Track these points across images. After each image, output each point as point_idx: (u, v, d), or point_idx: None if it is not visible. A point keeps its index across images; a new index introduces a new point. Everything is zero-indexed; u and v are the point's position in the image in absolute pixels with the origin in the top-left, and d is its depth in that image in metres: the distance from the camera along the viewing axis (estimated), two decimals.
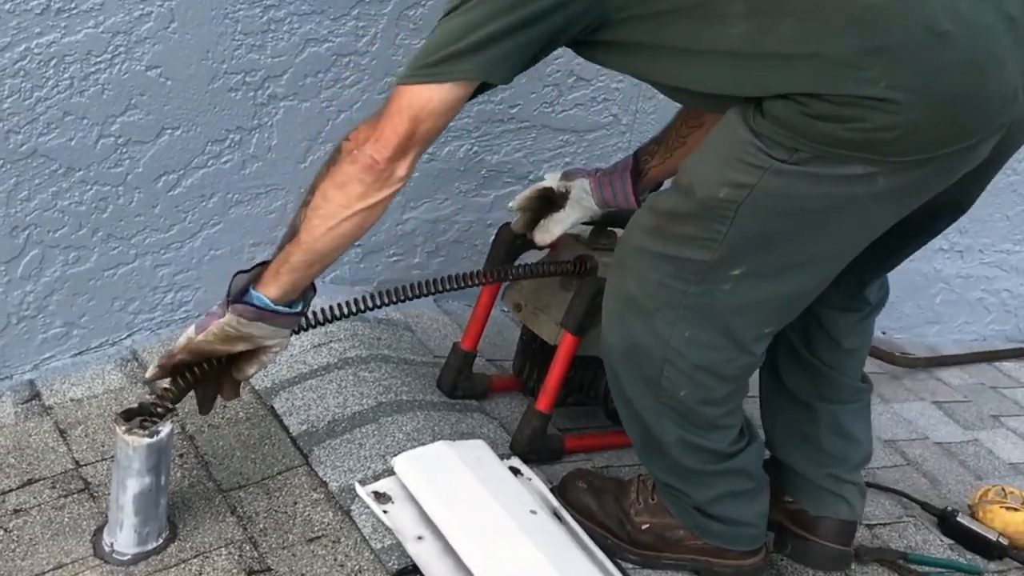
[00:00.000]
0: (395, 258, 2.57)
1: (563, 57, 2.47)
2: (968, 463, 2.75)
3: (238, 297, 1.61)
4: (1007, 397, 3.28)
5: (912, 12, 1.35)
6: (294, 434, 2.01)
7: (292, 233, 1.59)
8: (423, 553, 1.74)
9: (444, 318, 2.64)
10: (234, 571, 1.69)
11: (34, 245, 2.04)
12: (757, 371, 1.92)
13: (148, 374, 1.71)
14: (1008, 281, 3.64)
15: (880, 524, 2.28)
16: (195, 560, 1.71)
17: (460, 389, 2.23)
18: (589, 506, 1.92)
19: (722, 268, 1.56)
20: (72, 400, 2.06)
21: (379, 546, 1.76)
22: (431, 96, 1.51)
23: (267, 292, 1.60)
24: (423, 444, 1.95)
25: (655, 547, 1.89)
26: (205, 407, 1.78)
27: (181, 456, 1.93)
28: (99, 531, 1.74)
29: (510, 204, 2.14)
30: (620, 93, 2.64)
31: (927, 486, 2.55)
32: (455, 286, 1.94)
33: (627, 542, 1.90)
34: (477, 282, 2.00)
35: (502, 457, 2.00)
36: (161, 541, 1.72)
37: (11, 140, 1.94)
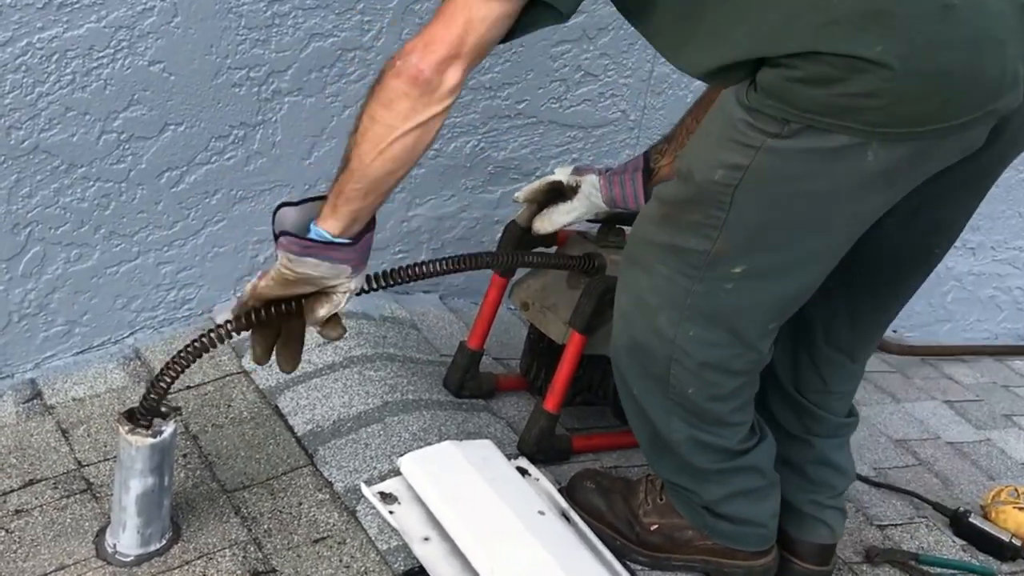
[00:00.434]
0: (400, 255, 2.56)
1: (571, 52, 2.47)
2: (980, 463, 2.74)
3: (288, 232, 1.53)
4: (1020, 396, 3.27)
5: None
6: (299, 434, 2.00)
7: (344, 162, 1.51)
8: (430, 554, 1.73)
9: (450, 316, 2.62)
10: (238, 572, 1.68)
11: (36, 242, 2.03)
12: None
13: (226, 325, 1.62)
14: (1021, 278, 3.63)
15: (892, 525, 2.27)
16: (199, 561, 1.70)
17: (467, 388, 2.22)
18: (598, 507, 1.91)
19: (724, 264, 1.54)
20: (74, 399, 2.05)
21: (385, 547, 1.75)
22: (487, 1, 1.43)
23: (326, 226, 1.52)
24: (429, 444, 1.94)
25: (664, 548, 1.87)
26: (259, 354, 1.69)
27: (184, 456, 1.92)
28: (102, 532, 1.73)
29: (517, 195, 2.12)
30: (628, 89, 2.62)
31: (939, 486, 2.54)
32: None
33: (636, 543, 1.88)
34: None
35: (509, 457, 1.99)
36: (164, 542, 1.71)
37: (13, 136, 1.93)
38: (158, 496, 1.66)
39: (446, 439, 1.96)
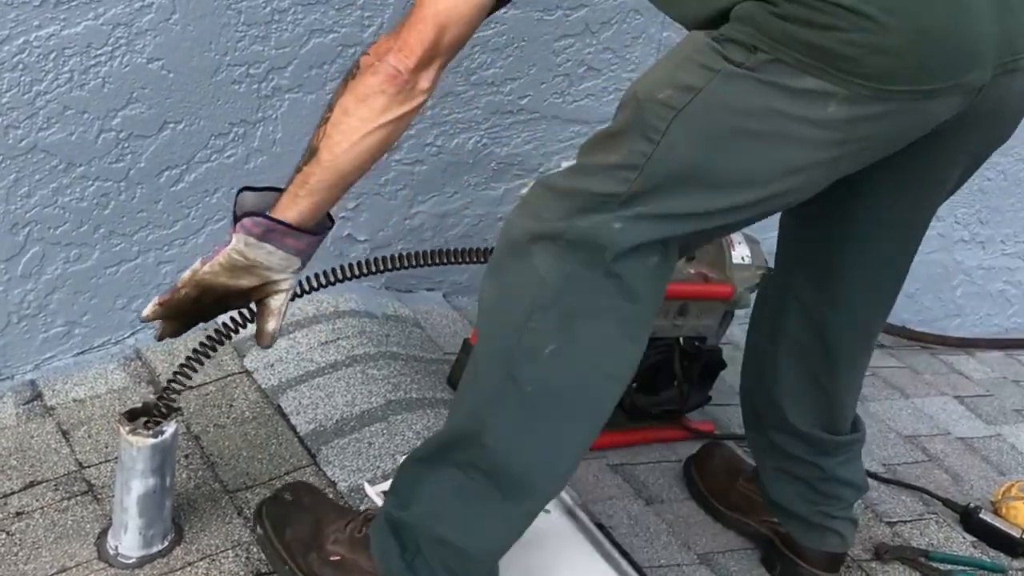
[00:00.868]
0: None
1: (574, 47, 2.45)
2: (991, 458, 2.71)
3: (251, 212, 1.50)
4: None
5: None
6: (301, 433, 1.99)
7: (311, 153, 1.49)
8: None
9: (454, 314, 2.61)
10: (241, 574, 1.67)
11: (34, 242, 2.02)
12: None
13: (145, 312, 1.58)
14: None
15: (901, 521, 2.26)
16: (201, 563, 1.69)
17: None
18: (282, 519, 1.69)
19: (634, 208, 1.37)
20: (74, 400, 2.04)
21: None
22: (458, 0, 1.43)
23: (284, 215, 1.49)
24: None
25: None
26: (171, 333, 1.63)
27: (186, 457, 1.91)
28: (103, 534, 1.72)
29: (523, 191, 2.09)
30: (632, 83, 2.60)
31: (949, 482, 2.52)
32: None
33: (299, 569, 1.63)
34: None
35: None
36: (166, 544, 1.71)
37: (10, 135, 1.92)
38: (160, 497, 1.65)
39: None
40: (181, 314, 1.59)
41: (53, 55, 1.90)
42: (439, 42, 1.43)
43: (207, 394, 2.08)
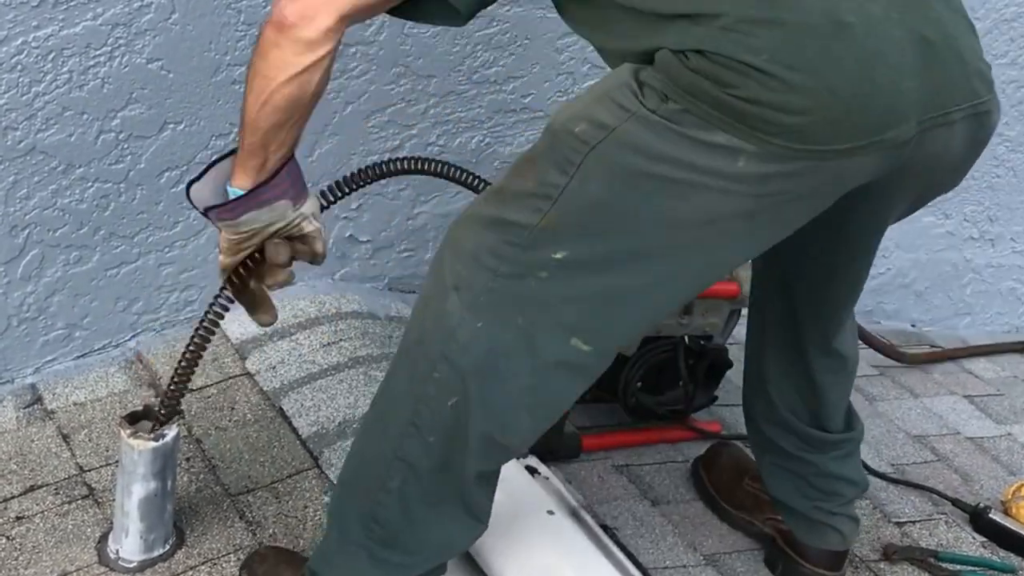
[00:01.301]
0: (406, 254, 2.54)
1: (577, 44, 2.44)
2: (1001, 458, 2.69)
3: (211, 205, 1.49)
4: None
5: None
6: (304, 436, 1.99)
7: (240, 117, 1.46)
8: None
9: None
10: None
11: (34, 245, 2.01)
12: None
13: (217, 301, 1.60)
14: None
15: (910, 522, 2.25)
16: (203, 567, 1.69)
17: None
18: None
19: (544, 246, 1.36)
20: (75, 404, 2.04)
21: None
22: None
23: (239, 184, 1.47)
24: None
25: None
26: (264, 315, 1.65)
27: (188, 460, 1.91)
28: (104, 538, 1.73)
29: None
30: None
31: (958, 482, 2.50)
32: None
33: None
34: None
35: (518, 456, 1.96)
36: (168, 548, 1.71)
37: (9, 137, 1.91)
38: (161, 501, 1.65)
39: None
40: (250, 291, 1.60)
41: (52, 56, 1.89)
42: None
43: (208, 396, 2.08)
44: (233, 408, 2.05)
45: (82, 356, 2.14)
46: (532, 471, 1.94)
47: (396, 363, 1.52)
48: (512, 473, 1.87)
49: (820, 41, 1.27)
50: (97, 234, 2.07)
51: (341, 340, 2.24)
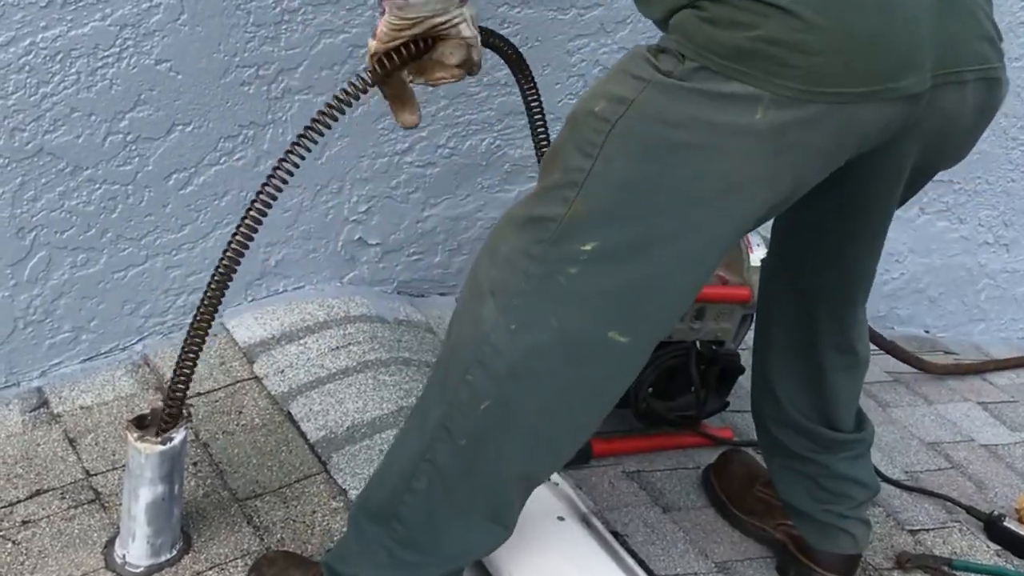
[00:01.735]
0: (415, 257, 2.53)
1: (588, 46, 2.43)
2: (1016, 466, 2.68)
3: None
4: None
5: None
6: (312, 440, 1.98)
7: None
8: None
9: None
10: None
11: (41, 247, 2.00)
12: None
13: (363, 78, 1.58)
14: None
15: (924, 530, 2.23)
16: (210, 572, 1.68)
17: None
18: None
19: (573, 238, 1.35)
20: (81, 407, 2.03)
21: None
22: None
23: None
24: None
25: None
26: (407, 112, 1.66)
27: (195, 464, 1.90)
28: (110, 543, 1.72)
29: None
30: None
31: (973, 490, 2.49)
32: None
33: None
34: None
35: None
36: (175, 552, 1.70)
37: (16, 138, 1.90)
38: (168, 505, 1.64)
39: None
40: (396, 83, 1.60)
41: (60, 56, 1.88)
42: None
43: (216, 400, 2.07)
44: (241, 412, 2.04)
45: (89, 359, 2.13)
46: None
47: (433, 369, 1.52)
48: None
49: None
50: (104, 236, 2.06)
51: (350, 344, 2.23)
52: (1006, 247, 3.41)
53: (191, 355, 1.58)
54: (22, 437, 1.94)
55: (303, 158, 1.57)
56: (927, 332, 3.34)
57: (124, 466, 1.64)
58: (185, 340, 1.58)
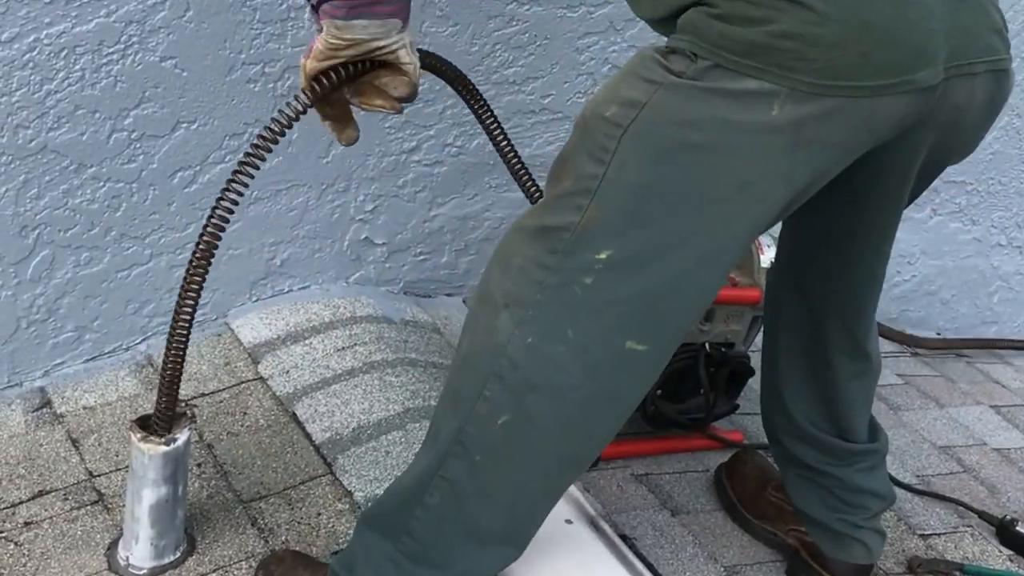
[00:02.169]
0: (422, 257, 2.52)
1: (598, 44, 2.42)
2: None
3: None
4: None
5: None
6: (317, 442, 1.97)
7: None
8: None
9: None
10: None
11: (44, 245, 1.99)
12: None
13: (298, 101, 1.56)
14: None
15: (935, 534, 2.22)
16: (214, 574, 1.68)
17: None
18: None
19: (588, 246, 1.33)
20: (85, 408, 2.02)
21: None
22: None
23: None
24: None
25: None
26: (346, 130, 1.64)
27: (199, 465, 1.89)
28: (114, 544, 1.71)
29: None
30: None
31: (985, 494, 2.48)
32: None
33: None
34: None
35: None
36: (179, 554, 1.69)
37: (20, 135, 1.89)
38: (172, 506, 1.63)
39: None
40: (333, 103, 1.58)
41: (64, 53, 1.87)
42: None
43: (220, 401, 2.06)
44: (245, 413, 2.03)
45: (92, 359, 2.12)
46: None
47: (446, 383, 1.50)
48: None
49: None
50: (108, 235, 2.05)
51: (355, 344, 2.22)
52: (1019, 249, 3.40)
53: (176, 360, 1.55)
54: (25, 437, 1.93)
55: (241, 195, 1.54)
56: (939, 334, 3.32)
57: (127, 467, 1.64)
58: (167, 346, 1.56)
